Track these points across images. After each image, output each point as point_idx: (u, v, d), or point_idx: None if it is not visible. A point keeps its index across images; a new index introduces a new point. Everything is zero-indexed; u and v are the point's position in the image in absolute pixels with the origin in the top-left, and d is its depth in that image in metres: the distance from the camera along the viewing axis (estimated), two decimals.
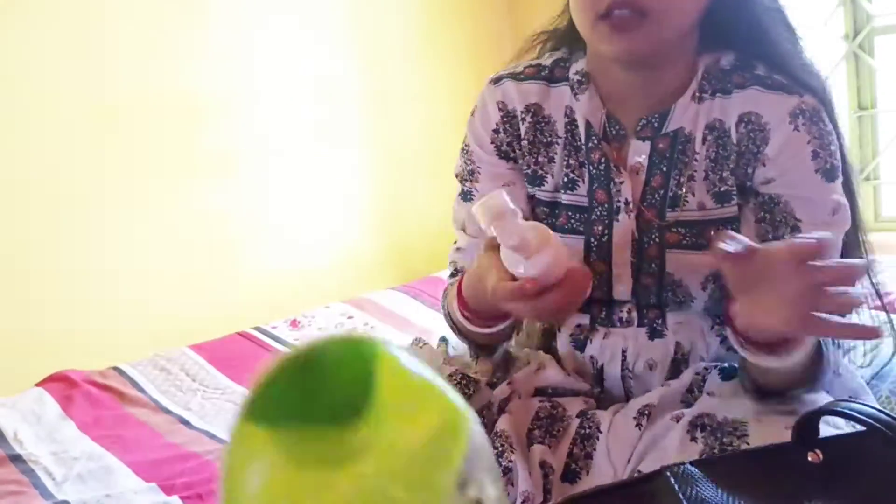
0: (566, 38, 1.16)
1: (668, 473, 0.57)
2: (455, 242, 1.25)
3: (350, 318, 2.31)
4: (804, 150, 1.02)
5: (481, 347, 1.16)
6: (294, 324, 2.28)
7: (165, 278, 2.30)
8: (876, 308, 1.17)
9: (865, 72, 2.54)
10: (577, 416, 1.08)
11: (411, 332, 2.17)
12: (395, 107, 2.88)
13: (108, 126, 2.19)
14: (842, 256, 1.08)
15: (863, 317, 1.16)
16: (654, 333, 1.13)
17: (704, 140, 1.07)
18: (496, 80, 1.18)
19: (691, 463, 0.59)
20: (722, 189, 1.07)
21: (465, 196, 1.21)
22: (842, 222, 1.04)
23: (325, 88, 2.72)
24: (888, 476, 0.58)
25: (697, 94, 1.08)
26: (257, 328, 2.25)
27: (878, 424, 0.55)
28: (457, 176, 1.23)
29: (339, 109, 2.76)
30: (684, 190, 1.08)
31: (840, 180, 1.03)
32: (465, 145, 1.21)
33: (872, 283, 1.15)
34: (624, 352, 1.13)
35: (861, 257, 1.10)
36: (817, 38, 2.51)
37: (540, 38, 1.20)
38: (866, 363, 1.30)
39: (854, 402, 0.60)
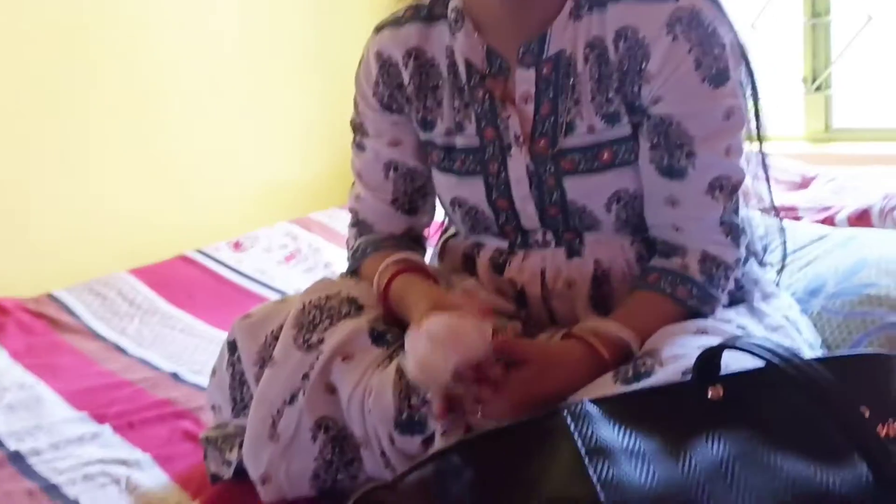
0: None
1: (566, 412, 0.55)
2: (353, 187, 1.24)
3: (294, 238, 2.27)
4: (687, 61, 0.99)
5: None
6: (237, 246, 2.24)
7: (100, 202, 2.23)
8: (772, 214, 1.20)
9: None
10: None
11: None
12: (344, 22, 2.77)
13: (48, 46, 2.08)
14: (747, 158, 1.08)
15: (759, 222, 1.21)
16: (573, 252, 1.12)
17: (586, 60, 1.04)
18: (378, 29, 1.16)
19: (591, 400, 0.57)
20: (610, 110, 1.04)
21: (360, 147, 1.21)
22: (736, 124, 1.04)
23: (269, 1, 2.60)
24: (787, 410, 0.56)
25: (574, 12, 1.04)
26: (199, 251, 2.20)
27: (778, 360, 0.53)
28: (351, 124, 1.22)
29: (285, 23, 2.65)
30: (573, 114, 1.05)
31: (731, 81, 1.01)
32: (355, 97, 1.20)
33: (769, 190, 1.16)
34: (543, 272, 1.11)
35: (758, 159, 1.12)
36: None
37: None
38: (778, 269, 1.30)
39: (755, 337, 0.57)
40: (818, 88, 2.52)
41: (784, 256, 1.26)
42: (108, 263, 2.11)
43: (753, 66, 1.07)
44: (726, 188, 1.05)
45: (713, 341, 0.95)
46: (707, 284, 1.05)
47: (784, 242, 1.24)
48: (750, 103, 1.08)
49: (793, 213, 1.78)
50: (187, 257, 2.17)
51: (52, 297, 1.95)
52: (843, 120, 2.56)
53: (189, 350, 1.69)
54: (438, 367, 0.83)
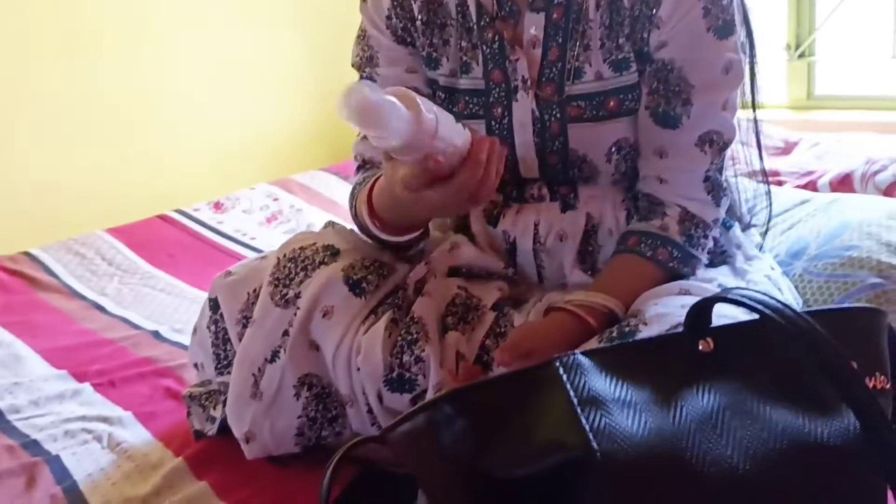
0: None
1: (557, 363, 0.55)
2: (358, 133, 1.20)
3: (276, 199, 2.25)
4: (696, 9, 1.00)
5: (395, 249, 1.13)
6: (217, 206, 2.21)
7: (78, 159, 2.20)
8: (760, 180, 1.22)
9: None
10: (493, 310, 1.07)
11: (338, 215, 2.12)
12: None
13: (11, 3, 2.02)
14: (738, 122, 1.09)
15: (748, 186, 1.23)
16: (567, 206, 1.12)
17: (598, 6, 1.04)
18: None
19: (582, 352, 0.57)
20: (619, 57, 1.05)
21: (368, 80, 1.15)
22: (735, 79, 1.05)
23: None
24: (779, 363, 0.57)
25: None
26: (178, 210, 2.17)
27: (769, 311, 0.54)
28: (353, 65, 1.18)
29: None
30: (581, 60, 1.05)
31: (734, 36, 1.02)
32: (362, 31, 1.16)
33: (760, 154, 1.18)
34: (536, 225, 1.12)
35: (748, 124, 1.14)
36: None
37: None
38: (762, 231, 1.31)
39: (747, 289, 0.57)
40: (801, 55, 2.53)
41: (769, 219, 1.27)
42: (85, 222, 2.09)
43: (753, 27, 1.08)
44: (717, 143, 1.05)
45: (696, 300, 0.97)
46: (687, 244, 1.06)
47: (770, 206, 1.25)
48: (747, 67, 1.09)
49: (775, 177, 1.78)
50: (167, 217, 2.14)
51: (28, 256, 1.92)
52: (826, 87, 2.57)
53: (170, 309, 1.67)
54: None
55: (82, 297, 1.75)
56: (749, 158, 1.21)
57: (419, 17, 1.10)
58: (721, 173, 1.09)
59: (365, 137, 1.18)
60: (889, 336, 0.64)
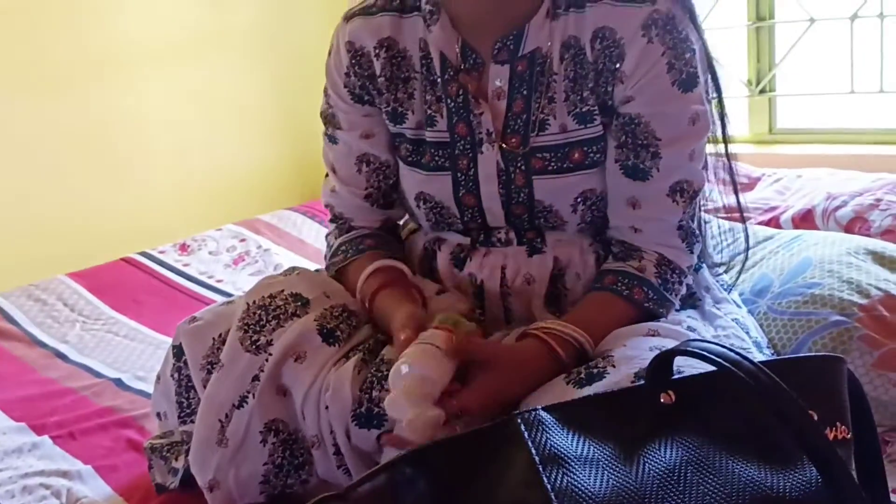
0: None
1: (519, 420, 0.55)
2: (327, 180, 1.23)
3: (242, 240, 2.23)
4: (659, 64, 1.02)
5: None
6: (183, 248, 2.19)
7: (38, 202, 2.16)
8: (734, 219, 1.24)
9: None
10: None
11: (307, 255, 2.11)
12: (297, 13, 2.72)
13: None
14: (705, 164, 1.11)
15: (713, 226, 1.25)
16: (534, 251, 1.12)
17: (562, 59, 1.05)
18: (347, 18, 1.15)
19: (544, 408, 0.56)
20: (583, 109, 1.06)
21: (332, 139, 1.20)
22: (701, 130, 1.06)
23: None
24: (738, 414, 0.57)
25: (551, 11, 1.05)
26: (143, 253, 2.14)
27: (729, 364, 0.53)
28: (321, 115, 1.21)
29: (231, 10, 2.58)
30: (546, 112, 1.06)
31: (699, 87, 1.04)
32: (325, 88, 1.18)
33: (736, 193, 1.20)
34: (503, 268, 1.12)
35: (726, 161, 1.15)
36: None
37: None
38: (734, 278, 1.33)
39: (706, 341, 0.57)
40: (762, 91, 2.57)
41: (745, 258, 1.29)
42: (46, 267, 2.05)
43: (719, 73, 1.10)
44: (687, 192, 1.07)
45: (665, 342, 0.97)
46: (662, 287, 1.06)
47: (747, 241, 1.27)
48: (715, 109, 1.11)
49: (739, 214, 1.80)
50: (131, 259, 2.11)
51: None
52: (787, 121, 2.61)
53: (134, 356, 1.65)
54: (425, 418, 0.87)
55: (43, 345, 1.71)
56: (714, 196, 1.22)
57: (382, 73, 1.11)
58: (693, 220, 1.11)
59: (333, 190, 1.20)
60: (849, 383, 0.65)
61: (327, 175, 1.22)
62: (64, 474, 1.22)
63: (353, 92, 1.14)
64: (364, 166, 1.17)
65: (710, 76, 1.09)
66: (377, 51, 1.11)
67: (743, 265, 1.30)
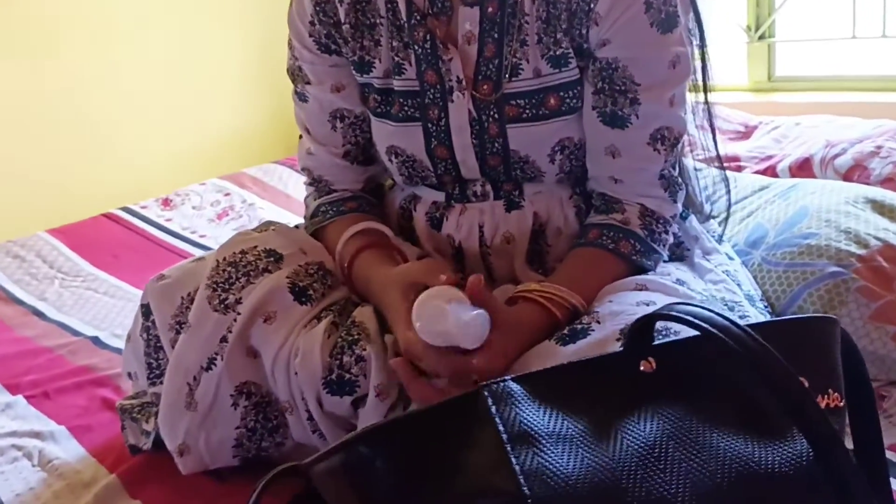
0: None
1: (486, 393, 0.50)
2: (302, 142, 1.16)
3: (227, 195, 2.18)
4: (636, 3, 0.96)
5: None
6: (166, 203, 2.13)
7: (18, 159, 2.10)
8: (717, 166, 1.18)
9: None
10: None
11: (292, 209, 2.06)
12: None
13: None
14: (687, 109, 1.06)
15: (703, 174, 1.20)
16: (512, 205, 1.08)
17: (534, 0, 0.98)
18: None
19: (514, 378, 0.52)
20: (557, 52, 1.00)
21: (301, 97, 1.13)
22: (682, 73, 1.01)
23: None
24: (723, 383, 0.52)
25: None
26: (125, 208, 2.09)
27: (714, 329, 0.49)
28: (288, 71, 1.14)
29: None
30: (518, 56, 1.00)
31: (679, 28, 0.98)
32: (289, 41, 1.11)
33: (714, 141, 1.14)
34: (481, 227, 1.07)
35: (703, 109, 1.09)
36: None
37: None
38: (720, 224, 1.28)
39: (691, 304, 0.53)
40: (761, 37, 2.49)
41: (728, 207, 1.24)
42: (26, 224, 2.00)
43: (701, 13, 1.04)
44: (668, 139, 1.02)
45: (653, 297, 0.94)
46: (649, 238, 1.03)
47: (729, 193, 1.22)
48: (697, 52, 1.05)
49: (735, 163, 1.75)
50: (112, 215, 2.06)
51: None
52: (787, 69, 2.54)
53: (112, 313, 1.61)
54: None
55: (20, 303, 1.67)
56: (707, 144, 1.17)
57: (347, 20, 1.04)
58: (675, 168, 1.06)
59: (309, 151, 1.14)
60: (844, 346, 0.61)
61: (301, 137, 1.16)
62: (37, 435, 1.19)
63: (319, 41, 1.07)
64: (338, 122, 1.11)
65: (693, 17, 1.03)
66: None
67: (728, 213, 1.25)
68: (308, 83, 1.10)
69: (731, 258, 1.24)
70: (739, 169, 1.72)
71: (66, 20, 2.18)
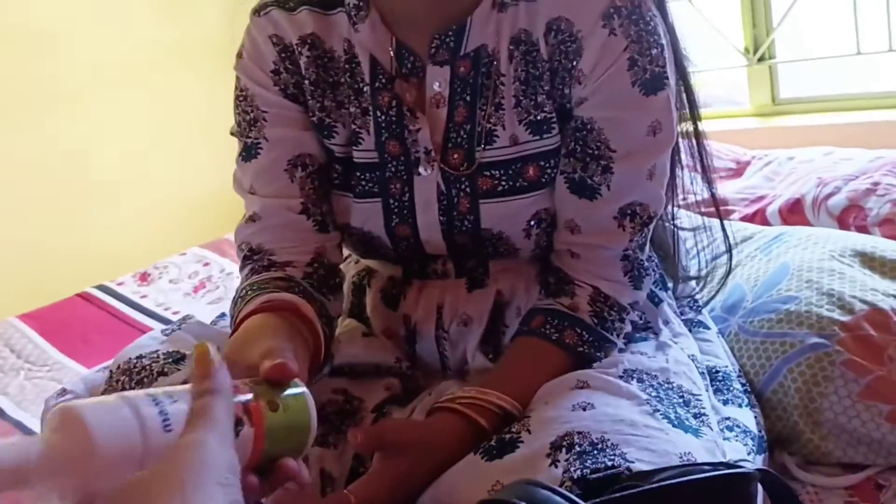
0: None
1: None
2: (242, 218, 0.99)
3: (206, 264, 2.11)
4: (620, 60, 0.85)
5: None
6: (143, 278, 2.08)
7: None
8: (712, 216, 1.12)
9: None
10: (373, 412, 0.93)
11: None
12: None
13: None
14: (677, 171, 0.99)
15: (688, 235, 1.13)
16: (474, 284, 0.98)
17: (511, 58, 0.89)
18: (261, 11, 0.95)
19: None
20: (538, 117, 0.89)
21: (250, 154, 0.96)
22: (664, 142, 0.90)
23: (176, 4, 2.43)
24: None
25: (498, 1, 0.88)
26: (100, 287, 2.04)
27: None
28: (233, 133, 0.99)
29: (186, 27, 2.48)
30: (493, 122, 0.89)
31: (666, 90, 0.88)
32: (241, 92, 0.97)
33: (713, 196, 1.08)
34: (440, 308, 0.97)
35: (700, 167, 1.03)
36: None
37: None
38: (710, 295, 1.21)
39: (533, 486, 0.43)
40: (761, 59, 2.37)
41: (729, 272, 1.18)
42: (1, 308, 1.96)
43: (691, 81, 0.95)
44: (639, 217, 0.91)
45: (593, 396, 0.83)
46: (599, 326, 0.92)
47: (730, 252, 1.16)
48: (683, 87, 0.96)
49: (723, 206, 1.63)
50: (86, 294, 2.01)
51: None
52: (791, 90, 2.41)
53: None
54: None
55: None
56: (695, 188, 1.09)
57: (307, 75, 0.93)
58: (643, 251, 0.95)
59: (251, 219, 0.98)
60: (775, 493, 0.50)
61: (243, 216, 1.00)
62: None
63: (287, 91, 0.94)
64: (298, 170, 0.95)
65: (679, 80, 0.93)
66: (299, 48, 0.93)
67: (726, 278, 1.15)
68: (263, 134, 0.95)
69: (707, 327, 1.13)
70: (728, 214, 1.60)
71: (36, 95, 2.17)
